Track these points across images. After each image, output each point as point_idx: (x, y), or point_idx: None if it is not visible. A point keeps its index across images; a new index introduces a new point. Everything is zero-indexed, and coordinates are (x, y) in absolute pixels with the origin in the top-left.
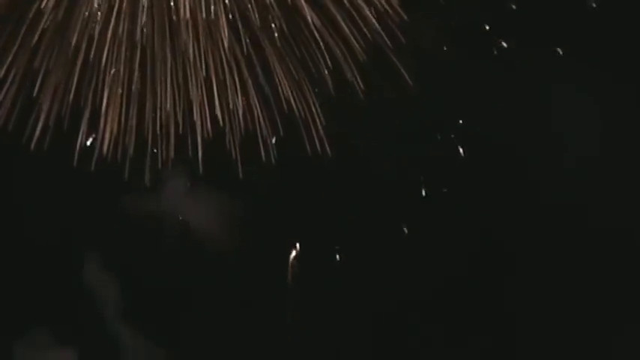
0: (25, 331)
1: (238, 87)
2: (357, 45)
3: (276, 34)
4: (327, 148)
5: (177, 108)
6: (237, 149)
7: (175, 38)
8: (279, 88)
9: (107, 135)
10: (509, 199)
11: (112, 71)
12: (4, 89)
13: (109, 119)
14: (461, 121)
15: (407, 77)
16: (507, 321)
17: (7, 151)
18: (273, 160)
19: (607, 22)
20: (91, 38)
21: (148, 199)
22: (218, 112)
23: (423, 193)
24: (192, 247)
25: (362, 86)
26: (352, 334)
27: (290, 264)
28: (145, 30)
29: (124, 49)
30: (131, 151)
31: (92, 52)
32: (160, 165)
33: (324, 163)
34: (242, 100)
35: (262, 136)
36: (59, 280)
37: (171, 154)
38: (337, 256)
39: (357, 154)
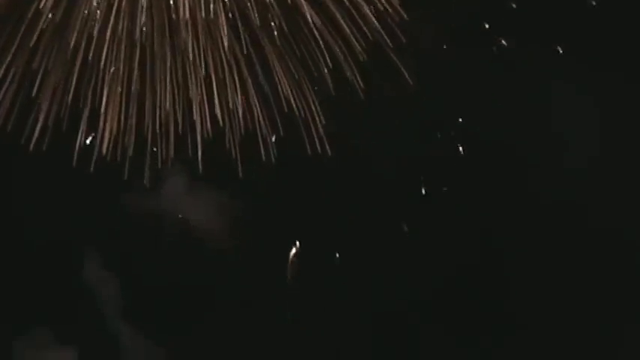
0: (25, 330)
1: (238, 86)
2: (357, 44)
3: (275, 33)
4: (327, 147)
5: (177, 107)
6: (237, 148)
7: (175, 37)
8: (279, 87)
9: (107, 134)
10: (509, 198)
11: (112, 70)
12: (3, 89)
13: (109, 118)
14: (460, 120)
15: (407, 76)
16: (508, 320)
17: (7, 149)
18: (273, 159)
19: (607, 21)
20: (90, 37)
21: (147, 198)
22: (218, 112)
23: (423, 191)
24: (192, 246)
25: (362, 85)
26: (352, 334)
27: (289, 263)
28: (144, 29)
29: (123, 47)
30: (131, 150)
31: (91, 51)
32: (159, 164)
33: (323, 161)
34: (241, 99)
35: (262, 135)
36: (58, 279)
37: (171, 153)
38: (337, 255)
39: (357, 153)
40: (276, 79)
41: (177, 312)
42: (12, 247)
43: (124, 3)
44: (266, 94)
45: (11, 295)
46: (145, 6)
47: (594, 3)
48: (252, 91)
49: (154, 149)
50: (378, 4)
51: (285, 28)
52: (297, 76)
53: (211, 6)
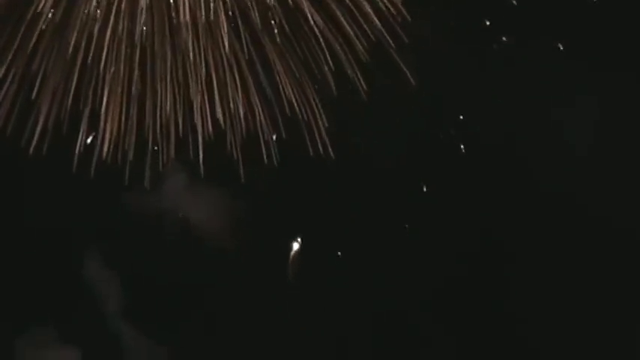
0: (26, 328)
1: (239, 86)
2: (358, 44)
3: (275, 31)
4: (328, 146)
5: (178, 107)
6: (238, 147)
7: (175, 36)
8: (280, 86)
9: (107, 135)
10: (509, 196)
11: (112, 70)
12: (3, 91)
13: (109, 119)
14: (461, 117)
15: (408, 74)
16: (508, 319)
17: (8, 148)
18: (274, 158)
19: (608, 18)
20: (90, 36)
21: (148, 197)
22: (219, 111)
23: (424, 189)
24: (193, 245)
25: (363, 84)
26: (352, 333)
27: (290, 261)
28: (144, 28)
29: (123, 47)
30: (131, 150)
31: (91, 51)
32: (160, 166)
33: (324, 160)
34: (242, 98)
35: (263, 135)
36: (60, 279)
37: (172, 153)
38: (339, 253)
39: (358, 151)
40: (277, 78)
41: (178, 311)
42: (14, 245)
43: (124, 3)
44: (267, 93)
45: (13, 294)
46: (145, 6)
47: (595, 0)
48: (253, 91)
49: (155, 148)
50: (380, 3)
51: (286, 27)
52: (298, 75)
53: (211, 5)
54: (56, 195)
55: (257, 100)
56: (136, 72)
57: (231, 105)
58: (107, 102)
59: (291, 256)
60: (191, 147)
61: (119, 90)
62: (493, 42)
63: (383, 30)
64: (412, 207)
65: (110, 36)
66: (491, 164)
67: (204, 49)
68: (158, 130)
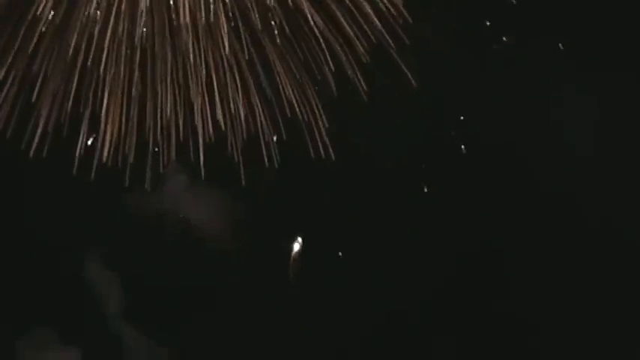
0: (27, 330)
1: (239, 87)
2: (359, 45)
3: (276, 32)
4: (329, 147)
5: (179, 108)
6: (239, 149)
7: (175, 38)
8: (280, 87)
9: (108, 136)
10: (510, 196)
11: (112, 72)
12: (3, 93)
13: (110, 121)
14: (462, 118)
15: (409, 75)
16: (508, 319)
17: (8, 151)
18: (275, 159)
19: (609, 17)
20: (90, 38)
21: (149, 198)
22: (219, 112)
23: (425, 190)
24: (194, 246)
25: (363, 84)
26: (352, 333)
27: (291, 262)
28: (145, 30)
29: (124, 49)
30: (132, 152)
31: (92, 53)
32: (161, 167)
33: (325, 161)
34: (243, 99)
35: (264, 136)
36: (61, 280)
37: (173, 155)
38: (339, 254)
39: (359, 152)
40: (278, 79)
41: (178, 312)
42: (14, 246)
43: (124, 5)
44: (267, 95)
45: (14, 295)
46: (145, 7)
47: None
48: (253, 92)
49: (156, 149)
50: (380, 4)
51: (287, 28)
52: (298, 76)
53: (211, 7)
54: (57, 197)
55: (257, 101)
56: (137, 74)
57: (232, 106)
58: (107, 104)
59: (291, 257)
60: (192, 148)
61: (119, 92)
62: (493, 42)
63: (383, 31)
64: (413, 207)
65: (110, 38)
66: (492, 164)
67: (204, 51)
68: (159, 132)
